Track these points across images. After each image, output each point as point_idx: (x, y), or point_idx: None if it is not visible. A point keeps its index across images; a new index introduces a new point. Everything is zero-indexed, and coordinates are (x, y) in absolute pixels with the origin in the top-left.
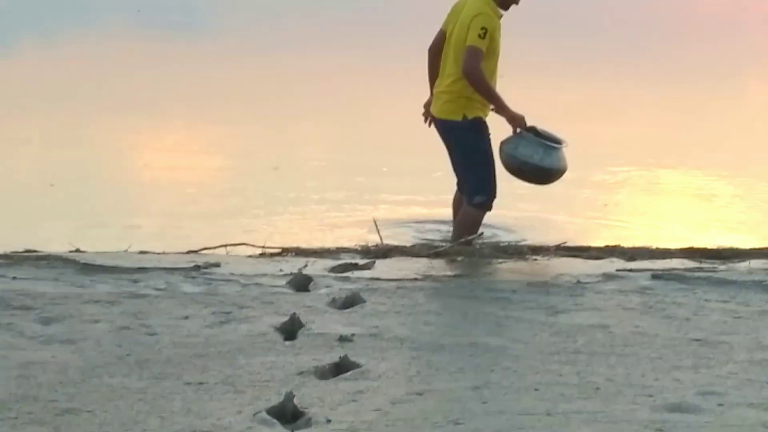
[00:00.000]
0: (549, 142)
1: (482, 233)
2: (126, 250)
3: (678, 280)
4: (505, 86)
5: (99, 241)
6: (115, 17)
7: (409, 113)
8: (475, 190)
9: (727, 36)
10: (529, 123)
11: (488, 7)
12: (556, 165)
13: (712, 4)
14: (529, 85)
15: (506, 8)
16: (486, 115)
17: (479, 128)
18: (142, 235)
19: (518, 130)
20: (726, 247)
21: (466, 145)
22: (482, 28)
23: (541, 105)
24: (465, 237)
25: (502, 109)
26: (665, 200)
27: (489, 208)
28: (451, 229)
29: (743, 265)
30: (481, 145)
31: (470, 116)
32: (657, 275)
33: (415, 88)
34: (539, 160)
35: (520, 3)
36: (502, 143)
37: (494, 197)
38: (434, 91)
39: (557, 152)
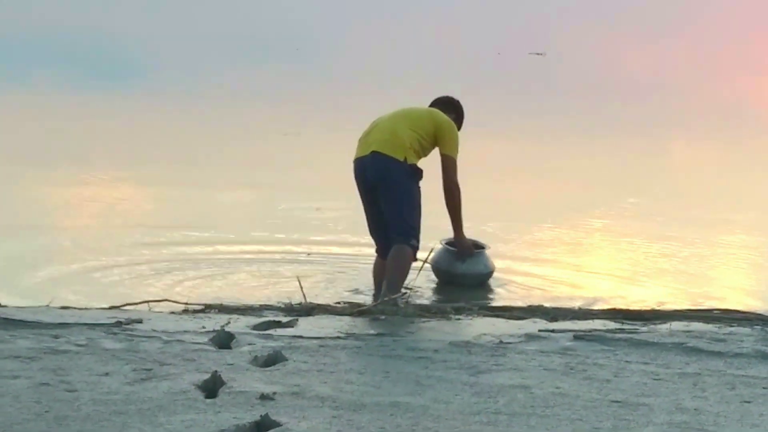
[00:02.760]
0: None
1: (407, 292)
2: (47, 305)
3: (599, 341)
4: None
5: (20, 295)
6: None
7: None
8: (408, 235)
9: (648, 96)
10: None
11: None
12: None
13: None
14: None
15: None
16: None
17: (415, 175)
18: (63, 289)
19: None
20: (647, 309)
21: (403, 185)
22: (457, 143)
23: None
24: (398, 280)
25: (459, 230)
26: (589, 259)
27: (415, 252)
28: (374, 289)
29: (664, 327)
30: (417, 194)
31: (410, 161)
32: (579, 336)
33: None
34: (460, 268)
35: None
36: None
37: (418, 245)
38: (368, 139)
39: (478, 257)
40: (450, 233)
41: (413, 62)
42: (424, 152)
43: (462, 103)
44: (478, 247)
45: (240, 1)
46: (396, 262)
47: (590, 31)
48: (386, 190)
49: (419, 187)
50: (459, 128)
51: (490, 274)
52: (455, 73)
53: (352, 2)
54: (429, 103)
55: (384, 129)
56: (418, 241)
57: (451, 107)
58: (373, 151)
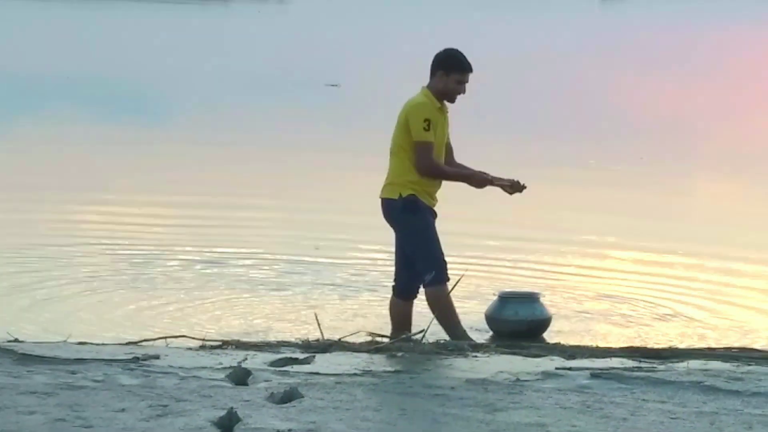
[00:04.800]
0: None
1: (425, 330)
2: (65, 341)
3: (617, 379)
4: None
5: (38, 331)
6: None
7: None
8: (424, 270)
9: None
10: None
11: (427, 98)
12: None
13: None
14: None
15: (450, 100)
16: (431, 204)
17: (413, 207)
18: (81, 324)
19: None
20: (665, 347)
21: (404, 225)
22: (425, 120)
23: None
24: (448, 318)
25: (468, 178)
26: (608, 299)
27: (445, 279)
28: (391, 325)
29: (682, 366)
30: (418, 223)
31: (404, 194)
32: (596, 374)
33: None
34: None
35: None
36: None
37: (445, 269)
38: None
39: (537, 303)
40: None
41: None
42: None
43: (449, 48)
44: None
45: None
46: (437, 310)
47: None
48: (398, 233)
49: (420, 215)
50: (459, 73)
51: (549, 320)
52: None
53: None
54: None
55: (389, 168)
56: (434, 268)
57: (433, 68)
58: (381, 198)
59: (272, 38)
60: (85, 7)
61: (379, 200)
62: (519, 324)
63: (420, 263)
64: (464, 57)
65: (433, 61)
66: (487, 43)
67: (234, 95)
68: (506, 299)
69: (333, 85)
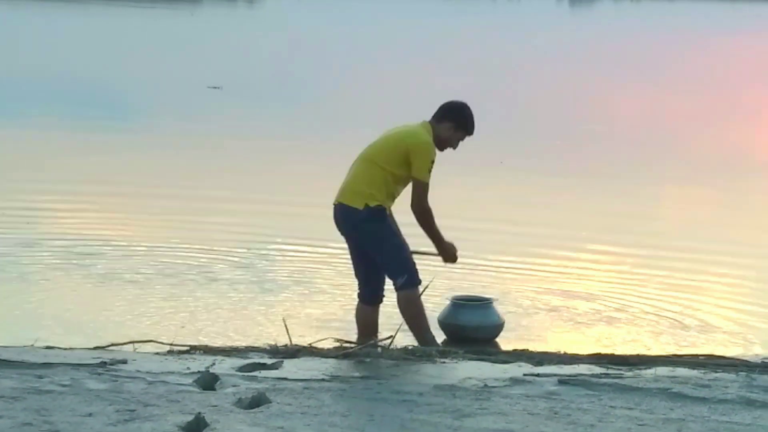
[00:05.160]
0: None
1: (393, 336)
2: (32, 345)
3: (584, 385)
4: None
5: (4, 335)
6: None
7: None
8: (395, 274)
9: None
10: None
11: (431, 138)
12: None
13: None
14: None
15: (440, 149)
16: (388, 207)
17: (380, 215)
18: (48, 329)
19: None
20: (633, 354)
21: (369, 233)
22: (432, 162)
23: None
24: (419, 323)
25: (442, 245)
26: (575, 301)
27: (418, 282)
28: (357, 331)
29: (649, 372)
30: (386, 230)
31: (372, 204)
32: (563, 380)
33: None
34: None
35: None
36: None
37: (417, 272)
38: (342, 184)
39: (490, 309)
40: (457, 291)
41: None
42: (397, 185)
43: (466, 104)
44: (483, 300)
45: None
46: (408, 314)
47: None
48: (361, 241)
49: (387, 224)
50: (465, 133)
51: (502, 326)
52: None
53: None
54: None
55: (352, 173)
56: (406, 271)
57: (447, 115)
58: (339, 203)
59: (184, 41)
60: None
61: (334, 205)
62: (471, 330)
63: (390, 269)
64: (474, 119)
65: (447, 108)
66: (453, 46)
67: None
68: (459, 305)
69: (215, 88)
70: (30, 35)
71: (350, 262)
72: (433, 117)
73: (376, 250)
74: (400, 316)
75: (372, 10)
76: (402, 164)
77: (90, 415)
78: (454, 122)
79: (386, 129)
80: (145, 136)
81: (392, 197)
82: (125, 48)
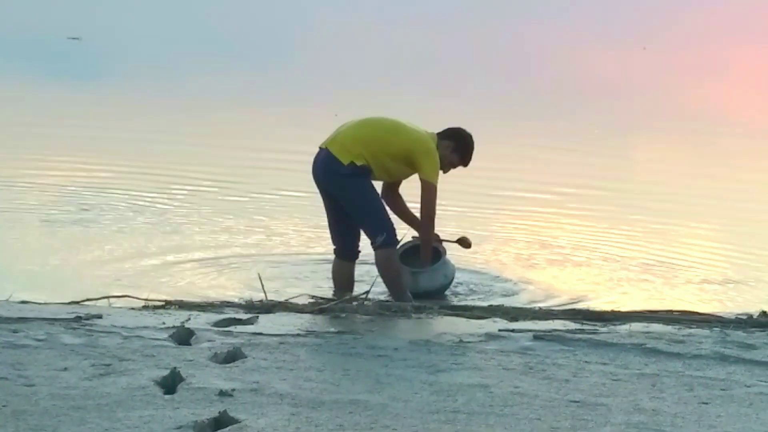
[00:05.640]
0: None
1: (368, 291)
2: (7, 300)
3: (559, 341)
4: None
5: None
6: None
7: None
8: (374, 232)
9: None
10: None
11: (434, 146)
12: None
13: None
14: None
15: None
16: (383, 180)
17: (364, 173)
18: (23, 283)
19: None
20: (607, 310)
21: (349, 188)
22: (439, 168)
23: None
24: (396, 281)
25: (426, 257)
26: (550, 259)
27: (396, 241)
28: (334, 287)
29: (624, 328)
30: (367, 187)
31: (358, 163)
32: (538, 336)
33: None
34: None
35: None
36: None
37: (394, 231)
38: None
39: (437, 270)
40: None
41: None
42: (388, 174)
43: (471, 136)
44: (436, 253)
45: None
46: (386, 273)
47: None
48: (339, 195)
49: (369, 182)
50: (463, 160)
51: (449, 283)
52: None
53: None
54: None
55: (349, 131)
56: (386, 230)
57: (450, 135)
58: (326, 148)
59: None
60: None
61: (320, 148)
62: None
63: (369, 226)
64: (473, 152)
65: (453, 130)
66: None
67: None
68: (416, 273)
69: (74, 39)
70: None
71: (325, 216)
72: (439, 133)
73: (355, 205)
74: (375, 270)
75: None
76: (400, 159)
77: (65, 369)
78: (453, 142)
79: (397, 117)
80: None
81: (387, 172)
82: None
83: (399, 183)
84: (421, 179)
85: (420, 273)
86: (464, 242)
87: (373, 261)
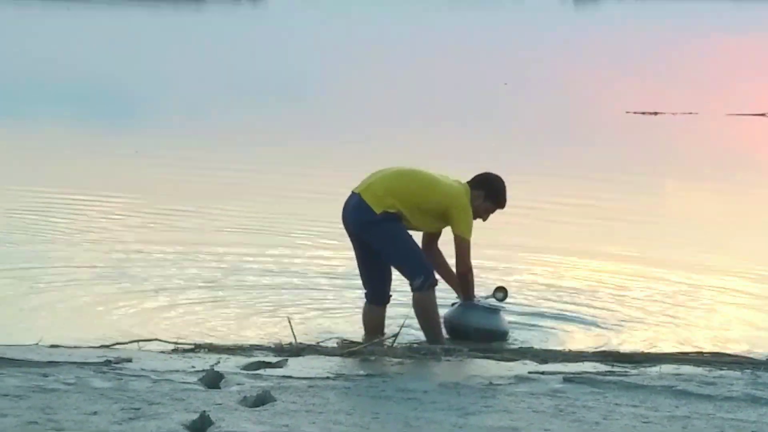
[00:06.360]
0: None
1: (397, 334)
2: (37, 344)
3: (589, 383)
4: None
5: (9, 334)
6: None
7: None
8: (412, 274)
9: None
10: None
11: (468, 200)
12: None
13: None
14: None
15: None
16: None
17: (394, 217)
18: (53, 328)
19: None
20: (638, 352)
21: (383, 233)
22: (472, 223)
23: None
24: (434, 323)
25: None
26: (581, 301)
27: (435, 283)
28: (364, 331)
29: (654, 370)
30: (401, 230)
31: (390, 211)
32: (568, 378)
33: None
34: (486, 324)
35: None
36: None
37: (433, 273)
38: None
39: (499, 314)
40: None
41: None
42: (418, 226)
43: (500, 178)
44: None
45: None
46: (424, 315)
47: None
48: (375, 242)
49: (402, 225)
50: (494, 205)
51: (507, 333)
52: None
53: None
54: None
55: (385, 179)
56: (423, 272)
57: (478, 184)
58: (359, 194)
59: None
60: None
61: (353, 192)
62: (478, 333)
63: (407, 269)
64: (505, 193)
65: (481, 177)
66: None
67: None
68: (470, 307)
69: None
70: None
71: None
72: (468, 181)
73: (390, 250)
74: (403, 313)
75: (375, 12)
76: (434, 214)
77: (95, 413)
78: (484, 191)
79: (434, 169)
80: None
81: (418, 224)
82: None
83: (437, 237)
84: (455, 234)
85: (500, 310)
86: (501, 291)
87: (409, 303)
